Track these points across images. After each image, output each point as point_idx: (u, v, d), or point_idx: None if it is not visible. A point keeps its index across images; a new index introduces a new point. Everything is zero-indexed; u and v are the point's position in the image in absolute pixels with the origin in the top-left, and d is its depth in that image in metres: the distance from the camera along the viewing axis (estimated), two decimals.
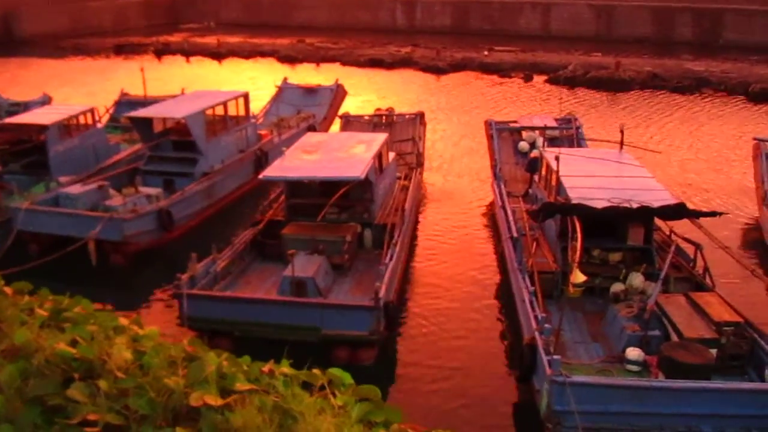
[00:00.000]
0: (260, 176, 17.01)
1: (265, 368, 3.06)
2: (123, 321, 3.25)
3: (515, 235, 15.63)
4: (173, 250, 18.92)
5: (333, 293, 14.78)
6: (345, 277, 15.70)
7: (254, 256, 16.64)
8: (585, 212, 13.69)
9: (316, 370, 3.04)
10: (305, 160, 17.34)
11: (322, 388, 3.04)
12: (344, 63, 51.28)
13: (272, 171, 16.88)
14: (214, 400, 2.69)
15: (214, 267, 14.82)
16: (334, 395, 3.02)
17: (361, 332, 13.20)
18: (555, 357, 10.59)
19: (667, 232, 16.15)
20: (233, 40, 60.23)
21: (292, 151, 17.92)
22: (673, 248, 14.65)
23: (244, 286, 15.27)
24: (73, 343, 2.95)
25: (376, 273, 14.47)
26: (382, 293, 13.26)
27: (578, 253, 11.99)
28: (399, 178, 20.92)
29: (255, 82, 41.77)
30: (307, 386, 3.10)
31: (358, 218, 17.18)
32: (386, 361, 13.98)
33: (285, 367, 3.10)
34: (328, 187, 16.91)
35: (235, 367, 3.00)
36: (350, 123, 26.64)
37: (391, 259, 15.02)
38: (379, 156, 18.01)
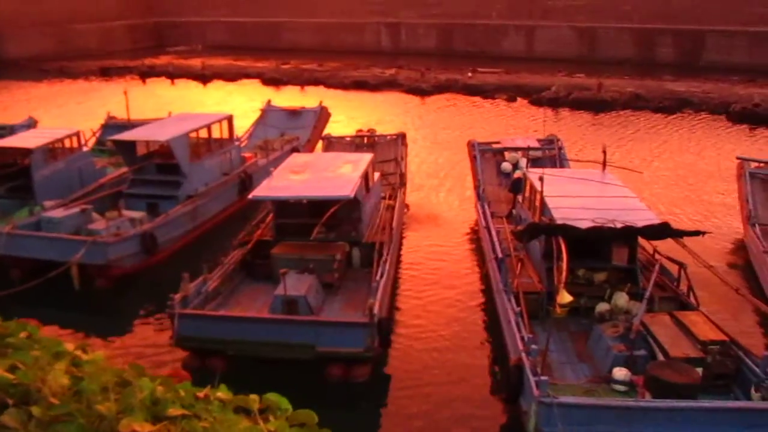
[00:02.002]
0: (249, 196, 17.04)
1: (201, 393, 3.03)
2: (69, 346, 3.22)
3: (500, 255, 15.65)
4: (157, 273, 18.82)
5: (324, 312, 14.79)
6: (335, 295, 15.74)
7: (243, 276, 16.62)
8: (570, 232, 13.74)
9: (253, 395, 3.02)
10: (293, 180, 17.43)
11: (263, 411, 3.02)
12: (329, 85, 51.44)
13: (261, 191, 16.90)
14: (141, 427, 2.66)
15: (205, 287, 14.81)
16: (275, 418, 2.99)
17: (356, 349, 13.19)
18: (542, 378, 10.57)
19: (651, 252, 16.22)
20: (218, 62, 60.38)
21: (280, 172, 17.97)
22: (657, 267, 14.69)
23: (235, 306, 15.25)
24: (13, 369, 2.92)
25: (368, 290, 14.51)
26: (376, 310, 13.31)
27: (564, 273, 12.00)
28: (384, 197, 21.04)
29: (240, 104, 41.78)
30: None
31: (346, 237, 17.22)
32: (379, 378, 13.96)
33: (221, 392, 3.08)
34: (316, 206, 17.00)
35: (170, 392, 2.96)
36: (332, 144, 26.80)
37: (382, 276, 15.06)
38: (366, 175, 18.12)
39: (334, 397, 13.19)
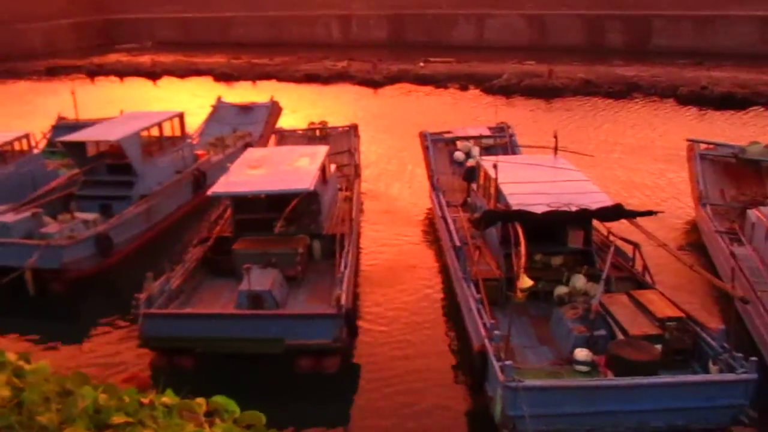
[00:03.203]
0: (209, 193, 16.88)
1: (146, 399, 2.98)
2: (11, 356, 3.15)
3: (458, 244, 15.72)
4: (114, 275, 18.57)
5: (289, 305, 14.77)
6: (299, 288, 15.71)
7: (205, 274, 16.49)
8: (526, 218, 13.85)
9: (199, 399, 2.99)
10: (251, 175, 17.38)
11: (210, 415, 3.00)
12: (281, 79, 51.14)
13: (220, 187, 16.77)
14: None
15: (168, 286, 14.65)
16: (222, 421, 2.97)
17: (326, 340, 13.28)
18: (507, 363, 10.68)
19: (605, 233, 16.46)
20: (168, 59, 59.51)
21: (237, 167, 17.87)
22: (612, 249, 14.90)
23: (199, 303, 15.13)
24: None
25: (331, 282, 14.62)
26: (343, 301, 13.43)
27: (523, 258, 12.11)
28: (340, 189, 21.06)
29: (191, 101, 41.26)
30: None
31: (306, 230, 17.18)
32: (348, 369, 14.00)
33: (166, 397, 3.03)
34: (274, 200, 16.91)
35: (114, 399, 2.91)
36: (285, 137, 26.77)
37: (346, 267, 15.11)
38: (323, 168, 18.16)
39: (305, 389, 13.23)
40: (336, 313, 13.33)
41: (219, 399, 3.05)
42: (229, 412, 3.02)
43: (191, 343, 13.41)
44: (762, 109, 38.22)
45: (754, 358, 10.92)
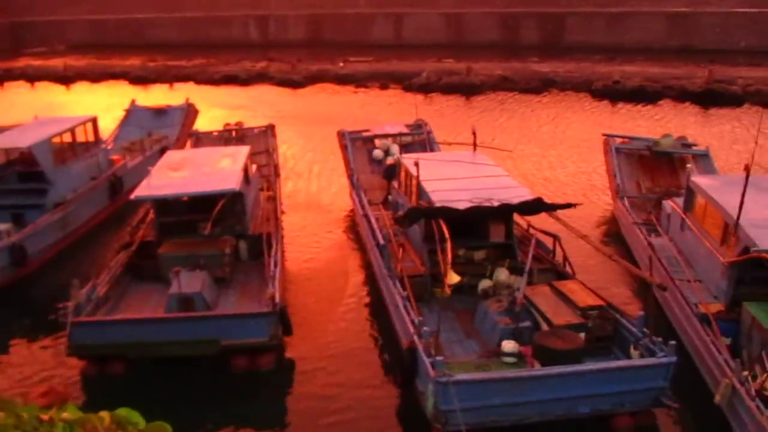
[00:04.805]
0: (132, 197, 16.40)
1: (46, 416, 2.86)
2: None
3: (381, 241, 15.74)
4: (30, 286, 17.90)
5: (220, 306, 14.57)
6: (228, 289, 15.54)
7: (130, 279, 16.08)
8: (449, 214, 13.94)
9: (102, 413, 2.88)
10: (174, 177, 17.07)
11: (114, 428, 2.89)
12: (198, 81, 50.32)
13: (142, 191, 16.36)
14: None
15: (95, 293, 14.23)
16: None
17: (261, 339, 13.25)
18: (438, 358, 10.72)
19: (525, 227, 16.73)
20: (81, 62, 57.75)
21: (158, 170, 17.53)
22: (533, 241, 15.16)
23: (127, 310, 14.72)
24: None
25: (260, 282, 14.60)
26: (277, 299, 13.40)
27: (449, 253, 12.18)
28: (261, 189, 20.92)
29: (106, 105, 40.13)
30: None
31: (231, 231, 16.96)
32: (283, 366, 13.98)
33: (67, 412, 2.92)
34: (197, 202, 16.66)
35: (11, 418, 2.78)
36: (201, 139, 26.34)
37: (276, 266, 15.04)
38: (246, 168, 18.05)
39: (241, 389, 13.16)
40: (271, 311, 13.30)
41: (122, 411, 2.95)
42: (132, 423, 2.92)
43: (124, 350, 13.15)
44: (672, 102, 39.59)
45: (673, 342, 11.26)
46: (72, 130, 21.73)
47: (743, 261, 12.86)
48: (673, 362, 11.16)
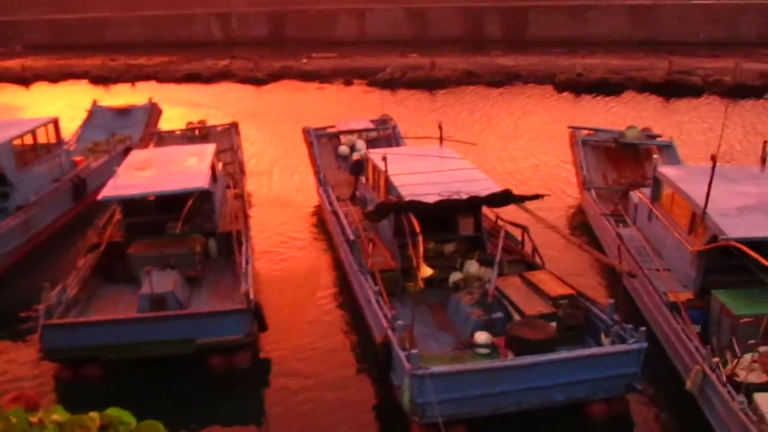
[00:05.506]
0: (99, 197, 16.20)
1: (35, 418, 2.79)
2: None
3: (351, 237, 15.71)
4: None
5: (192, 305, 14.46)
6: (200, 287, 15.43)
7: (99, 281, 15.84)
8: (419, 208, 13.94)
9: (92, 413, 2.82)
10: (141, 177, 16.92)
11: (105, 428, 2.83)
12: (160, 80, 49.71)
13: (110, 191, 16.19)
14: None
15: (65, 295, 14.00)
16: None
17: (237, 336, 13.21)
18: (413, 351, 10.73)
19: (493, 219, 16.80)
20: (40, 63, 56.65)
21: (125, 170, 17.41)
22: (502, 233, 15.26)
23: (98, 311, 14.51)
24: None
25: (231, 280, 14.68)
26: (251, 296, 13.37)
27: (421, 247, 12.20)
28: (227, 187, 20.84)
29: (67, 106, 39.46)
30: None
31: (200, 229, 16.86)
32: (258, 363, 13.96)
33: (56, 414, 2.85)
34: (165, 201, 16.58)
35: (1, 421, 2.71)
36: (163, 139, 26.12)
37: (247, 263, 15.00)
38: (213, 166, 17.96)
39: (217, 387, 13.09)
40: (245, 308, 13.25)
41: (113, 411, 2.88)
42: (124, 423, 2.85)
43: (98, 352, 12.99)
44: (634, 93, 40.06)
45: (643, 329, 11.40)
46: (33, 132, 21.31)
47: (712, 249, 13.04)
48: (644, 348, 11.30)
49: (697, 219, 13.71)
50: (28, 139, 21.13)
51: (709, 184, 13.15)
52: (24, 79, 52.37)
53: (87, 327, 13.35)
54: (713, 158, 13.29)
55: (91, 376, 13.10)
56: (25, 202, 19.85)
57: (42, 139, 21.79)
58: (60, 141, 22.98)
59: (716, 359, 11.28)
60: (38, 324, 12.81)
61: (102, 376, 13.14)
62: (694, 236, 13.93)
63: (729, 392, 10.38)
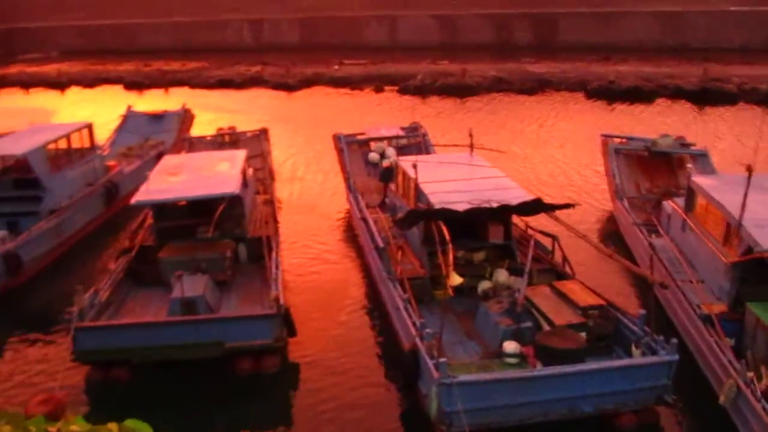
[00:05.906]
0: (132, 202, 16.45)
1: (53, 428, 2.80)
2: None
3: (380, 244, 15.69)
4: (25, 294, 17.75)
5: (222, 309, 14.59)
6: (230, 292, 15.56)
7: (130, 284, 16.03)
8: (449, 216, 13.90)
9: (111, 424, 2.82)
10: (173, 182, 17.15)
11: None
12: (193, 86, 50.22)
13: (142, 195, 16.43)
14: None
15: (97, 298, 14.18)
16: None
17: (266, 341, 13.31)
18: (441, 360, 10.67)
19: (523, 227, 16.69)
20: (75, 68, 57.54)
21: (157, 175, 17.60)
22: (532, 242, 15.15)
23: (129, 314, 14.71)
24: None
25: (261, 284, 14.75)
26: (281, 300, 13.45)
27: (451, 255, 12.15)
28: (257, 192, 20.95)
29: (101, 111, 39.99)
30: None
31: (230, 234, 16.98)
32: (287, 368, 13.96)
33: (75, 425, 2.86)
34: (196, 206, 16.75)
35: (19, 430, 2.72)
36: (194, 145, 26.31)
37: (277, 268, 15.11)
38: (243, 171, 18.13)
39: (246, 391, 13.14)
40: (275, 312, 13.33)
41: (130, 423, 2.89)
42: None
43: (129, 354, 13.15)
44: (667, 101, 39.63)
45: (674, 340, 11.22)
46: (67, 137, 21.64)
47: (746, 261, 12.81)
48: (676, 360, 11.14)
49: (732, 230, 13.47)
50: (62, 144, 21.46)
51: (745, 195, 12.92)
52: (59, 84, 53.24)
53: (118, 330, 13.50)
54: (749, 168, 13.07)
55: (121, 378, 13.26)
56: (58, 206, 20.12)
57: (76, 143, 22.10)
58: (93, 146, 23.28)
59: (751, 374, 11.02)
60: (71, 326, 13.03)
61: (132, 378, 13.28)
62: (728, 247, 13.69)
63: (764, 407, 10.19)
